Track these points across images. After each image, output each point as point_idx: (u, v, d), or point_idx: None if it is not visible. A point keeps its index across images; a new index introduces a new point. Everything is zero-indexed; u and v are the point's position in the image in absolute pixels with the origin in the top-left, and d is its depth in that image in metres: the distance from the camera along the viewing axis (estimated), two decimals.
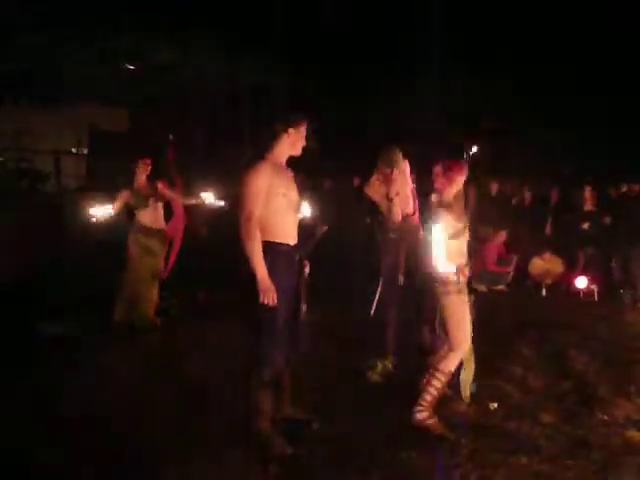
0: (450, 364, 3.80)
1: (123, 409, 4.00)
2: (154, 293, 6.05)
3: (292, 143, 3.52)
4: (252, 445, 3.43)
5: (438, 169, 4.02)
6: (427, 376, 3.87)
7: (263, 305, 3.30)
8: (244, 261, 3.35)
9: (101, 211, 5.77)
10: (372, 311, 4.75)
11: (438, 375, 3.76)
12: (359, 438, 3.68)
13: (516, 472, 3.32)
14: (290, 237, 3.49)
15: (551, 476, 3.29)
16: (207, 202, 6.26)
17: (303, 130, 3.54)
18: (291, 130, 3.48)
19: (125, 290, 5.90)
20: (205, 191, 6.26)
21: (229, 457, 3.37)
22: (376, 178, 4.96)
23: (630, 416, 4.06)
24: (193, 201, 6.38)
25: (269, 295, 3.29)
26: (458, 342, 3.78)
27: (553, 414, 4.07)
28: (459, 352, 3.82)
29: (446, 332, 3.85)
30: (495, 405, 4.19)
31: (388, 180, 4.82)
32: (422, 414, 3.74)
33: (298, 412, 3.87)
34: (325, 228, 3.88)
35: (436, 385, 3.75)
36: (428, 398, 3.74)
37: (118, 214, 5.89)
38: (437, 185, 3.98)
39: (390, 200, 4.79)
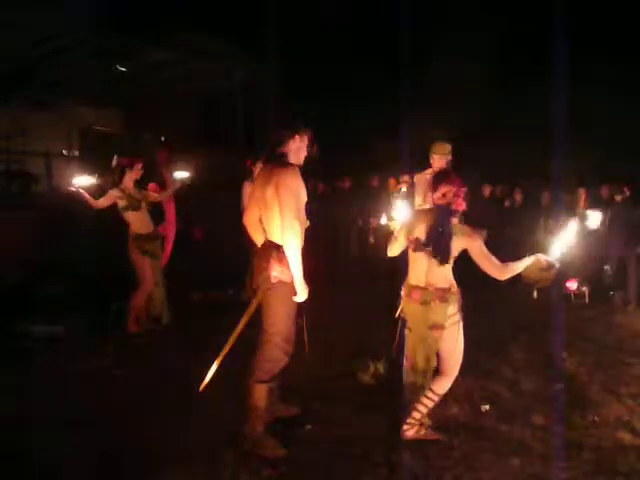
0: (445, 386, 3.70)
1: (118, 410, 4.00)
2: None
3: (296, 149, 3.51)
4: (246, 447, 3.44)
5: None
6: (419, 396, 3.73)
7: (283, 315, 3.41)
8: (270, 266, 3.35)
9: (84, 181, 5.75)
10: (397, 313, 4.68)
11: (431, 396, 3.68)
12: (351, 440, 3.69)
13: (508, 474, 3.33)
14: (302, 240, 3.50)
15: (543, 477, 3.30)
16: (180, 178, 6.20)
17: (305, 135, 3.54)
18: (297, 136, 3.50)
19: (154, 296, 5.98)
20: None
21: (223, 459, 3.38)
22: (430, 171, 4.88)
23: (621, 417, 4.08)
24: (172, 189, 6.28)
25: (305, 294, 3.39)
26: (454, 366, 3.68)
27: (545, 416, 4.09)
28: (454, 375, 3.71)
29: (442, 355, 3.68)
30: (487, 407, 4.21)
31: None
32: (411, 430, 3.71)
33: (289, 409, 3.94)
34: (307, 223, 3.85)
35: (427, 404, 3.68)
36: (417, 416, 3.70)
37: (102, 209, 5.86)
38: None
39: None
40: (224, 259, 7.46)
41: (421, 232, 3.58)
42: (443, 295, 3.55)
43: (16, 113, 10.51)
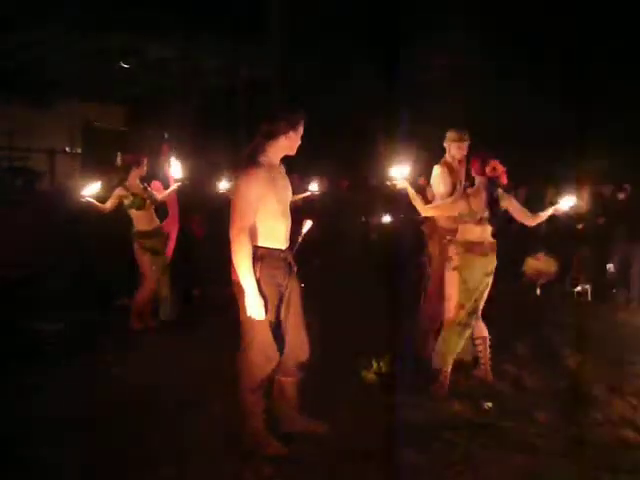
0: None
1: (119, 409, 3.98)
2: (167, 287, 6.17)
3: (290, 145, 3.35)
4: (248, 446, 3.42)
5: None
6: (480, 345, 4.62)
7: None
8: (232, 268, 3.26)
9: (92, 190, 5.72)
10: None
11: (485, 342, 4.59)
12: (355, 438, 3.67)
13: (511, 471, 3.32)
14: (283, 241, 3.36)
15: (546, 475, 3.30)
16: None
17: (301, 130, 3.38)
18: (291, 132, 3.31)
19: (148, 292, 5.96)
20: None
21: (225, 458, 3.36)
22: (444, 162, 4.89)
23: (624, 415, 4.07)
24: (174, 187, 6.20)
25: (257, 311, 3.16)
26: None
27: (548, 413, 4.08)
28: None
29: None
30: (490, 404, 4.19)
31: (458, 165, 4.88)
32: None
33: (307, 422, 3.74)
34: (310, 224, 3.80)
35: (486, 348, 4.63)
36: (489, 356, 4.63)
37: (111, 211, 5.85)
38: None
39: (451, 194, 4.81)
40: (226, 257, 7.44)
41: (479, 208, 4.29)
42: (493, 247, 4.39)
43: (19, 111, 10.51)
